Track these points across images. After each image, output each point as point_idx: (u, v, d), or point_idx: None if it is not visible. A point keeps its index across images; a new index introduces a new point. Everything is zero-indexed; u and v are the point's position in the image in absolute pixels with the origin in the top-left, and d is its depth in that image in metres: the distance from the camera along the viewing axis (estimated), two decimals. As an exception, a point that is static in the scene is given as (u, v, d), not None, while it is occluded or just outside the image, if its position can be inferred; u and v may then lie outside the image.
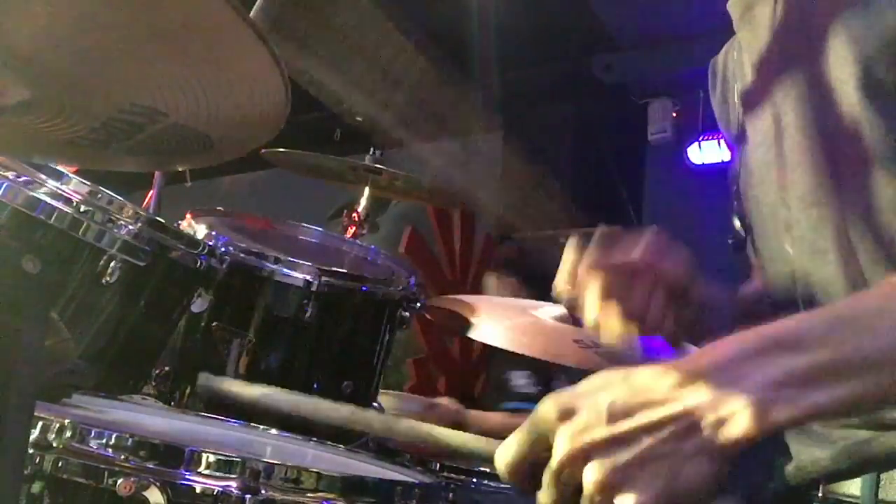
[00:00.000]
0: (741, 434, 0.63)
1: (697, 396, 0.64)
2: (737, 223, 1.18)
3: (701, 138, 4.54)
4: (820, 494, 0.95)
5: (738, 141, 1.10)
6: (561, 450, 0.65)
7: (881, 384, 0.63)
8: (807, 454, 0.97)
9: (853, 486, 0.92)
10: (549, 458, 0.67)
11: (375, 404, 1.82)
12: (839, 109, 0.86)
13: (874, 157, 0.84)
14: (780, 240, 0.98)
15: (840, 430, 0.94)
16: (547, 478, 0.67)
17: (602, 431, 0.65)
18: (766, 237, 1.03)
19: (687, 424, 0.64)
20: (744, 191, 1.08)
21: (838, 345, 0.64)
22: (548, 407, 0.67)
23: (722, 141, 4.44)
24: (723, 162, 4.47)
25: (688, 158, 4.62)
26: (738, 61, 1.09)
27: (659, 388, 0.66)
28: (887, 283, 0.71)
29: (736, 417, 0.63)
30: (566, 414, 0.66)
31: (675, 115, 4.77)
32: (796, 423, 0.64)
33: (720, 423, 0.63)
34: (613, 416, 0.65)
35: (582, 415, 0.66)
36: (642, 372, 0.68)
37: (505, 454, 0.69)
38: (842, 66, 0.86)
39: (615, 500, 0.63)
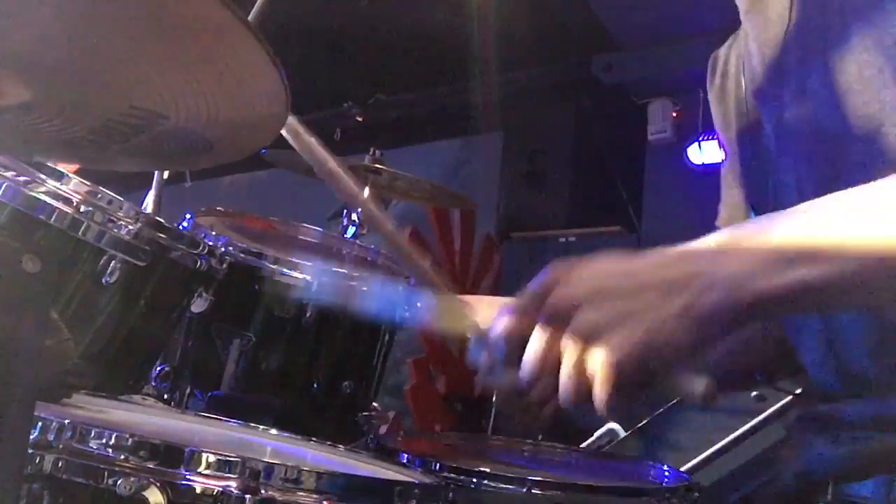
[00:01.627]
0: (721, 298, 0.67)
1: (684, 267, 0.70)
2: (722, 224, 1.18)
3: (701, 138, 4.54)
4: (829, 495, 0.95)
5: (746, 133, 1.09)
6: (550, 306, 0.71)
7: (866, 264, 0.67)
8: (817, 455, 0.97)
9: (864, 487, 0.92)
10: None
11: (375, 405, 1.82)
12: (854, 105, 0.86)
13: (890, 155, 0.83)
14: None
15: (850, 431, 0.94)
16: (534, 335, 0.72)
17: (589, 288, 0.70)
18: None
19: (672, 288, 0.68)
20: (755, 182, 1.07)
21: (820, 227, 0.69)
22: (549, 270, 0.74)
23: (722, 141, 4.44)
24: (723, 162, 4.47)
25: (688, 158, 4.62)
26: (746, 53, 1.08)
27: (655, 260, 0.72)
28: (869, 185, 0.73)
29: (718, 284, 0.67)
30: (563, 278, 0.72)
31: (675, 115, 4.77)
32: (779, 297, 0.67)
33: (703, 289, 0.67)
34: (603, 279, 0.70)
35: (576, 277, 0.72)
36: (639, 256, 0.73)
37: (503, 313, 0.75)
38: (859, 63, 0.85)
39: (594, 350, 0.68)
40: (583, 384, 0.69)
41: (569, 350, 0.70)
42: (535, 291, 0.74)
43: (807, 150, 0.93)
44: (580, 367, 0.69)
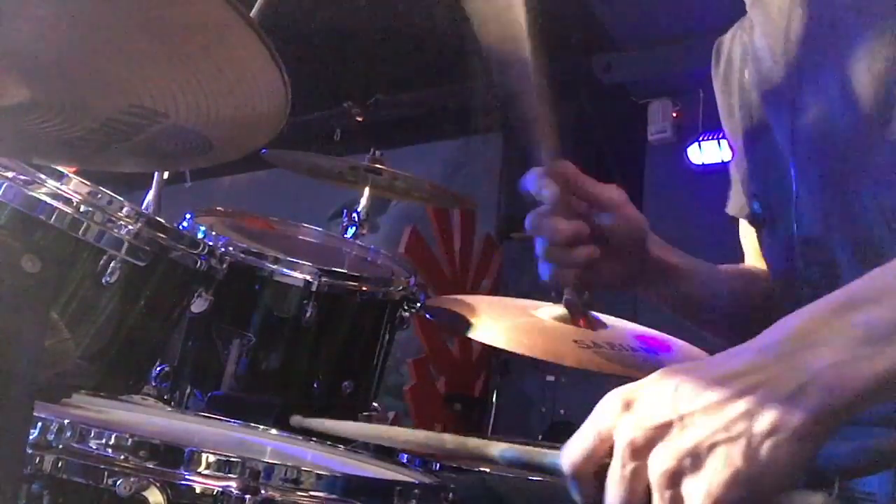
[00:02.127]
0: (821, 403, 0.56)
1: (769, 369, 0.58)
2: (733, 210, 1.17)
3: (701, 138, 4.54)
4: (836, 491, 0.95)
5: (750, 127, 1.09)
6: (623, 439, 0.59)
7: None
8: (822, 451, 0.97)
9: (871, 484, 0.91)
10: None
11: (375, 405, 1.82)
12: (856, 101, 0.86)
13: (889, 153, 0.83)
14: (789, 224, 0.98)
15: (857, 427, 0.93)
16: (611, 476, 0.60)
17: (666, 414, 0.59)
18: (781, 219, 1.02)
19: (760, 399, 0.57)
20: (760, 174, 1.07)
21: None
22: (609, 398, 0.62)
23: (722, 141, 4.44)
24: (723, 162, 4.47)
25: (688, 158, 4.62)
26: (751, 43, 1.07)
27: (727, 369, 0.60)
28: None
29: (814, 384, 0.56)
30: (628, 404, 0.61)
31: (675, 115, 4.77)
32: (883, 384, 0.57)
33: (797, 393, 0.56)
34: (679, 400, 0.59)
35: (645, 402, 0.60)
36: (709, 359, 0.63)
37: (569, 453, 0.63)
38: (861, 59, 0.85)
39: (685, 491, 0.57)
40: None
41: (656, 490, 0.59)
42: (598, 425, 0.62)
43: (816, 146, 0.93)
44: None
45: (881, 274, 0.62)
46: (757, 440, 0.56)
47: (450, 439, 0.81)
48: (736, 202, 1.21)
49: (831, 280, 0.92)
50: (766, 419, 0.56)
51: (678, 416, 0.58)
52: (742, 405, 0.57)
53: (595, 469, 0.62)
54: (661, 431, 0.58)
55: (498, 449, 0.74)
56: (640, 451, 0.59)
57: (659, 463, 0.58)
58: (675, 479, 0.57)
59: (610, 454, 0.61)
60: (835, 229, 0.92)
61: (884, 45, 0.83)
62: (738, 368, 0.59)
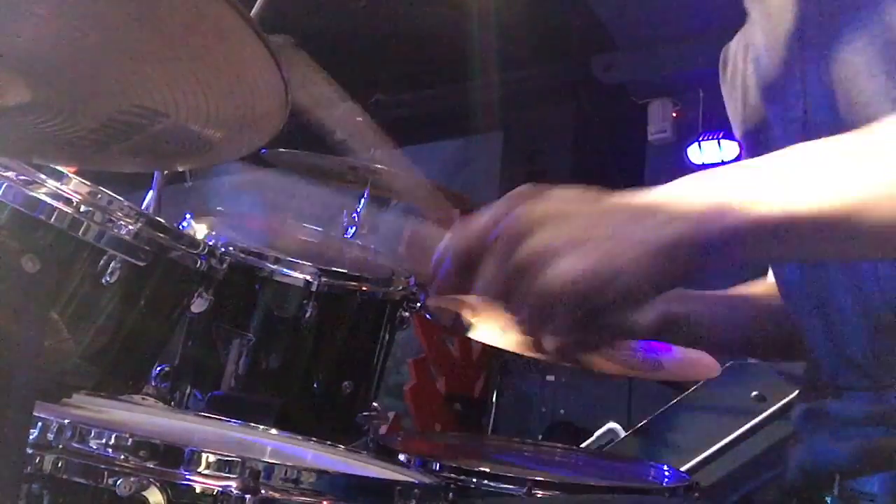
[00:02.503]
0: (682, 230, 0.63)
1: (650, 199, 0.68)
2: None
3: (701, 138, 4.54)
4: (835, 491, 0.95)
5: (755, 128, 1.08)
6: (514, 215, 0.66)
7: (836, 204, 0.63)
8: (822, 452, 0.97)
9: (871, 483, 0.91)
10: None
11: (375, 405, 1.82)
12: (851, 101, 0.86)
13: None
14: None
15: (856, 427, 0.93)
16: (492, 249, 0.67)
17: (554, 206, 0.67)
18: None
19: (634, 215, 0.66)
20: None
21: (791, 169, 0.67)
22: (514, 192, 0.69)
23: (722, 141, 4.45)
24: (723, 162, 4.47)
25: (688, 158, 4.62)
26: (753, 44, 1.07)
27: (617, 196, 0.69)
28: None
29: (681, 216, 0.64)
30: (529, 197, 0.68)
31: (675, 115, 4.77)
32: (743, 234, 0.64)
33: (666, 219, 0.64)
34: (571, 200, 0.68)
35: (541, 199, 0.68)
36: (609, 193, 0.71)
37: (464, 225, 0.70)
38: (856, 59, 0.85)
39: (552, 263, 0.63)
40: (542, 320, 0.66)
41: (523, 264, 0.65)
42: (494, 210, 0.69)
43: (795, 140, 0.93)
44: (533, 296, 0.65)
45: (780, 154, 0.70)
46: (625, 245, 0.64)
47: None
48: None
49: (826, 282, 0.92)
50: (637, 229, 0.65)
51: (564, 210, 0.66)
52: (621, 215, 0.67)
53: (475, 248, 0.68)
54: (547, 215, 0.66)
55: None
56: (523, 227, 0.66)
57: (534, 239, 0.65)
58: (546, 253, 0.64)
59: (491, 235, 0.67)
60: None
61: (865, 44, 0.83)
62: (632, 195, 0.69)
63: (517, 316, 0.68)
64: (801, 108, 0.94)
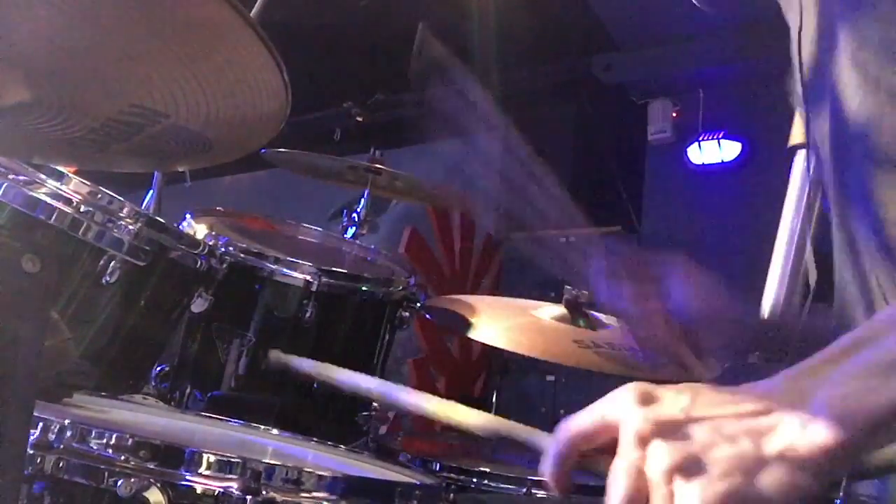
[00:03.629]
0: (830, 434, 0.56)
1: (782, 398, 0.59)
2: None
3: (701, 138, 4.54)
4: (842, 494, 0.95)
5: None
6: (632, 428, 0.60)
7: None
8: None
9: (873, 486, 0.91)
10: (611, 450, 0.61)
11: (375, 405, 1.82)
12: (851, 103, 0.86)
13: (877, 156, 0.83)
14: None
15: None
16: (617, 463, 0.61)
17: (678, 411, 0.59)
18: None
19: (770, 423, 0.58)
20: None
21: None
22: (626, 389, 0.62)
23: (722, 141, 4.45)
24: (722, 162, 4.47)
25: (688, 158, 4.62)
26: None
27: (746, 392, 0.61)
28: None
29: (823, 415, 0.57)
30: (644, 399, 0.61)
31: (675, 115, 4.77)
32: (889, 416, 0.57)
33: (808, 422, 0.57)
34: (694, 405, 0.60)
35: (661, 400, 0.61)
36: (730, 387, 0.63)
37: (569, 428, 0.64)
38: (853, 61, 0.85)
39: (680, 488, 0.57)
40: None
41: (654, 484, 0.58)
42: (607, 409, 0.63)
43: (827, 148, 0.94)
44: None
45: (880, 318, 0.64)
46: (760, 460, 0.57)
47: (435, 404, 0.82)
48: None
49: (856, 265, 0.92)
50: (775, 441, 0.57)
51: (689, 417, 0.59)
52: (753, 423, 0.58)
53: (586, 451, 0.63)
54: (670, 427, 0.59)
55: (480, 420, 0.76)
56: (645, 443, 0.59)
57: (660, 457, 0.58)
58: (672, 476, 0.57)
59: (608, 444, 0.62)
60: (853, 229, 0.92)
61: (876, 40, 0.83)
62: (755, 392, 0.60)
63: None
64: (823, 112, 0.94)
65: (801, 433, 0.57)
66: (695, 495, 0.56)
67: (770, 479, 0.56)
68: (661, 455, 0.58)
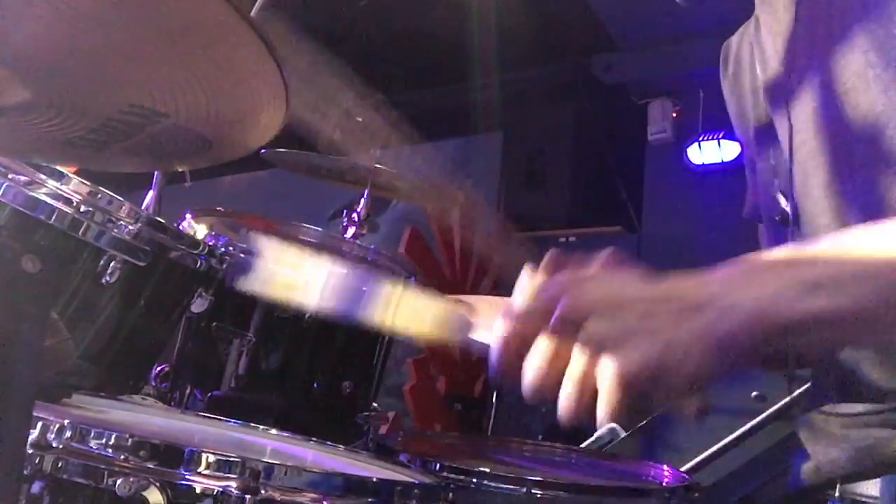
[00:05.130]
0: (739, 323, 0.64)
1: (704, 290, 0.67)
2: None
3: (701, 138, 4.54)
4: (837, 494, 0.95)
5: (760, 128, 1.08)
6: (565, 301, 0.67)
7: (882, 295, 0.65)
8: (824, 455, 0.97)
9: (872, 487, 0.91)
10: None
11: (375, 405, 1.82)
12: (857, 104, 0.85)
13: (885, 156, 0.83)
14: (814, 225, 0.98)
15: (858, 430, 0.93)
16: (541, 339, 0.68)
17: (606, 293, 0.67)
18: (803, 220, 1.02)
19: (690, 309, 0.66)
20: (766, 178, 1.07)
21: (845, 259, 0.68)
22: (553, 280, 0.70)
23: (722, 141, 4.44)
24: (723, 162, 4.47)
25: (688, 159, 4.62)
26: (758, 45, 1.07)
27: (668, 282, 0.69)
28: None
29: (737, 308, 0.65)
30: (577, 282, 0.69)
31: (675, 115, 4.77)
32: (798, 326, 0.65)
33: (722, 313, 0.65)
34: (623, 287, 0.68)
35: (593, 283, 0.69)
36: (654, 277, 0.70)
37: (508, 315, 0.71)
38: (865, 63, 0.84)
39: (603, 359, 0.64)
40: (587, 396, 0.67)
41: (576, 360, 0.67)
42: (541, 296, 0.70)
43: (813, 149, 0.93)
44: (586, 379, 0.66)
45: (835, 236, 0.72)
46: (681, 335, 0.64)
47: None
48: (750, 205, 1.20)
49: None
50: (694, 322, 0.65)
51: (616, 303, 0.67)
52: (678, 305, 0.66)
53: (524, 337, 0.70)
54: (597, 313, 0.66)
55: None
56: (572, 326, 0.66)
57: (586, 336, 0.66)
58: (595, 352, 0.65)
59: (543, 322, 0.68)
60: (834, 230, 0.92)
61: (873, 51, 0.83)
62: (687, 282, 0.69)
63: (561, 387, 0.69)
64: (804, 110, 0.94)
65: (721, 317, 0.65)
66: (614, 364, 0.64)
67: (686, 354, 0.64)
68: (587, 327, 0.66)
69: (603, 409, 0.65)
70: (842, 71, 0.87)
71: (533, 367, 0.69)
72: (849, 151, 0.88)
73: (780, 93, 0.99)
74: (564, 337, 0.67)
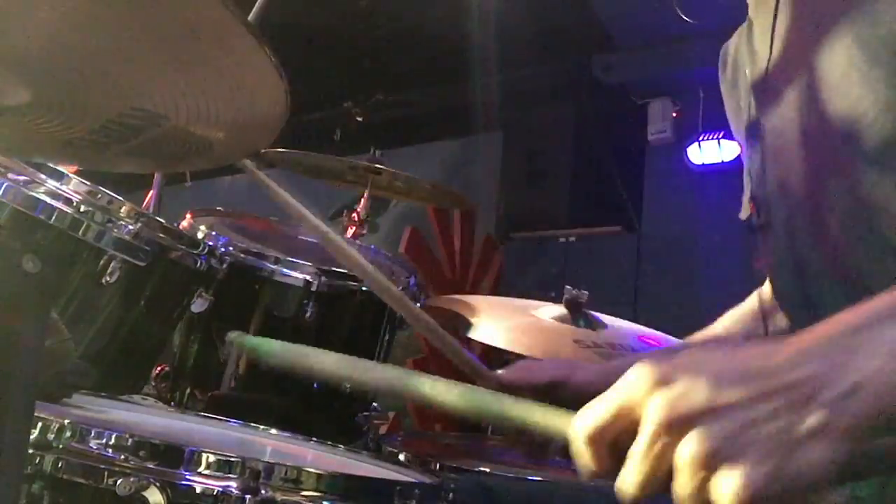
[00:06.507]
0: (872, 406, 0.54)
1: (815, 367, 0.55)
2: (744, 213, 1.15)
3: (701, 138, 4.54)
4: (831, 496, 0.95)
5: (749, 128, 1.09)
6: (655, 416, 0.56)
7: None
8: None
9: (862, 488, 0.91)
10: (633, 435, 0.57)
11: (375, 405, 1.82)
12: (840, 103, 0.86)
13: (868, 155, 0.83)
14: (790, 227, 0.98)
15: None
16: (636, 453, 0.57)
17: (705, 397, 0.55)
18: (778, 222, 1.01)
19: (805, 394, 0.54)
20: (758, 177, 1.07)
21: None
22: (641, 371, 0.58)
23: (722, 141, 4.45)
24: (722, 162, 4.47)
25: (688, 158, 4.62)
26: (750, 47, 1.08)
27: (770, 361, 0.57)
28: None
29: (865, 387, 0.54)
30: (663, 381, 0.57)
31: (675, 115, 4.77)
32: None
33: (849, 393, 0.54)
34: (718, 384, 0.56)
35: (681, 382, 0.56)
36: (749, 347, 0.59)
37: (587, 418, 0.60)
38: (846, 62, 0.85)
39: (718, 478, 0.54)
40: None
41: (685, 472, 0.55)
42: (625, 395, 0.59)
43: (797, 150, 0.93)
44: (701, 496, 0.55)
45: None
46: (800, 436, 0.54)
47: (428, 384, 0.73)
48: (746, 207, 1.21)
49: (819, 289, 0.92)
50: (813, 416, 0.54)
51: (718, 401, 0.55)
52: (788, 398, 0.54)
53: (610, 440, 0.59)
54: (699, 414, 0.55)
55: (507, 404, 0.67)
56: (672, 431, 0.55)
57: (693, 445, 0.54)
58: (707, 465, 0.54)
59: (629, 429, 0.58)
60: (812, 233, 0.92)
61: (856, 50, 0.83)
62: (781, 362, 0.56)
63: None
64: (789, 109, 0.94)
65: (842, 406, 0.54)
66: (733, 481, 0.53)
67: (809, 455, 0.53)
68: (692, 442, 0.54)
69: None
70: (826, 70, 0.87)
71: (636, 473, 0.57)
72: (832, 151, 0.88)
73: (770, 93, 1.00)
74: (666, 443, 0.56)
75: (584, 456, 0.60)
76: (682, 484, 0.55)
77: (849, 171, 0.85)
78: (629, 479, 0.57)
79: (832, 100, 0.86)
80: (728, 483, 0.53)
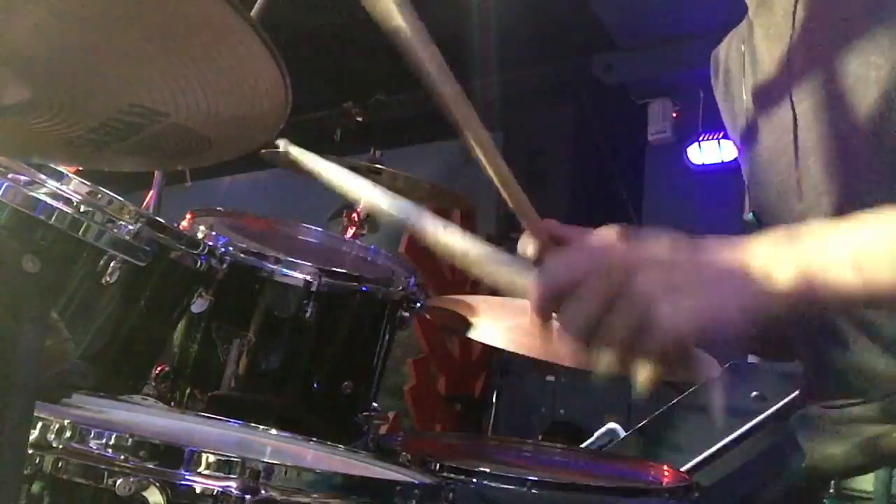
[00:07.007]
0: (772, 303, 0.66)
1: (748, 255, 0.70)
2: (749, 216, 1.16)
3: (701, 138, 4.54)
4: (832, 491, 0.95)
5: (747, 132, 1.09)
6: (612, 257, 0.69)
7: None
8: (820, 451, 0.97)
9: (866, 482, 0.92)
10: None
11: (375, 405, 1.82)
12: (858, 106, 0.85)
13: (891, 157, 0.83)
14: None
15: (852, 425, 0.94)
16: (586, 288, 0.68)
17: (656, 252, 0.69)
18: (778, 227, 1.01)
19: (730, 273, 0.68)
20: (758, 180, 1.07)
21: (878, 238, 0.68)
22: (606, 231, 0.74)
23: (722, 141, 4.45)
24: (723, 162, 4.47)
25: (688, 158, 4.63)
26: (750, 50, 1.07)
27: (712, 247, 0.72)
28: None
29: (771, 289, 0.66)
30: (618, 239, 0.72)
31: (675, 115, 4.78)
32: (836, 302, 0.67)
33: (757, 289, 0.67)
34: (666, 249, 0.70)
35: (643, 241, 0.71)
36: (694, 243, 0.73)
37: (557, 262, 0.72)
38: (867, 66, 0.84)
39: (663, 303, 0.65)
40: (629, 349, 0.67)
41: (620, 313, 0.66)
42: (585, 254, 0.72)
43: (818, 150, 0.93)
44: (631, 331, 0.67)
45: (878, 217, 0.71)
46: (723, 298, 0.67)
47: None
48: (748, 207, 1.21)
49: None
50: (736, 286, 0.68)
51: (663, 259, 0.69)
52: (720, 269, 0.70)
53: (565, 280, 0.70)
54: (649, 263, 0.68)
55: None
56: (619, 279, 0.67)
57: (635, 288, 0.66)
58: (646, 299, 0.65)
59: (585, 282, 0.68)
60: None
61: (877, 53, 0.83)
62: (729, 248, 0.72)
63: (602, 342, 0.69)
64: (792, 115, 0.94)
65: (763, 281, 0.67)
66: (668, 313, 0.65)
67: (734, 311, 0.66)
68: (637, 284, 0.66)
69: (646, 364, 0.67)
70: (843, 73, 0.87)
71: (578, 316, 0.69)
72: (855, 152, 0.88)
73: (778, 97, 0.99)
74: (608, 289, 0.67)
75: (544, 303, 0.73)
76: (618, 317, 0.66)
77: (868, 173, 0.85)
78: (577, 312, 0.69)
79: (849, 103, 0.86)
80: (658, 316, 0.65)
